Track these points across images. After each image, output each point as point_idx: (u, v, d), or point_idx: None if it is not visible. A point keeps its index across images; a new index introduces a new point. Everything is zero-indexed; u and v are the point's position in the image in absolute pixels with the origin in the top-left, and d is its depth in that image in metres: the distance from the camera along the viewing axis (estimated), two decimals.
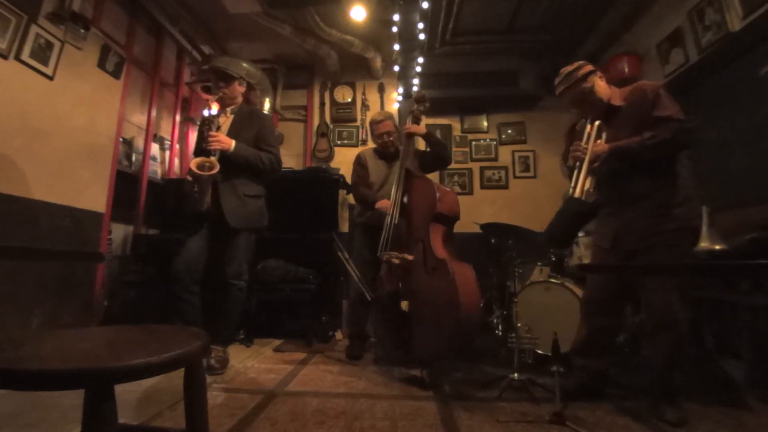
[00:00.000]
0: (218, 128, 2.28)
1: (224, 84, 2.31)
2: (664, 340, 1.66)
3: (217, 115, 2.30)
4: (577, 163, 1.75)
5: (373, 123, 2.62)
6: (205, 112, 2.25)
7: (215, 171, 2.08)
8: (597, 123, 1.79)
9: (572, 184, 1.72)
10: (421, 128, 2.44)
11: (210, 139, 2.13)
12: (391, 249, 2.22)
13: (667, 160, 1.72)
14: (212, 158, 2.11)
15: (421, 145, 4.39)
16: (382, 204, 2.39)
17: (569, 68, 1.84)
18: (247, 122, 2.35)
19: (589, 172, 1.70)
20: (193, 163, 2.10)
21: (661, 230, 1.67)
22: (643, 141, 1.64)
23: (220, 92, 2.30)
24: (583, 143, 1.76)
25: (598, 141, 1.75)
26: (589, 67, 1.82)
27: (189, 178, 2.21)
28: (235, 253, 2.25)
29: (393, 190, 2.33)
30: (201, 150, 2.21)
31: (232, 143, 2.18)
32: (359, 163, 2.70)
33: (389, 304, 2.18)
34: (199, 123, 2.43)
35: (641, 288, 1.76)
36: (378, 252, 2.25)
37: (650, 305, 1.72)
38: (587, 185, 1.69)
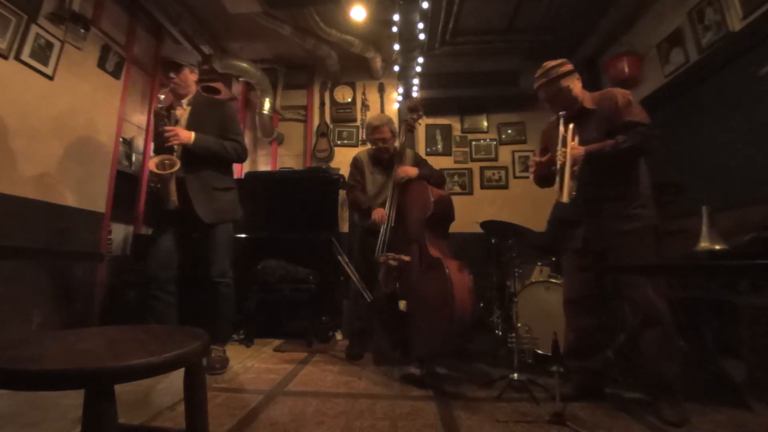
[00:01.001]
0: (176, 122, 2.18)
1: (174, 74, 2.20)
2: (652, 334, 1.69)
3: (173, 108, 2.20)
4: (558, 167, 1.77)
5: (370, 127, 2.58)
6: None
7: (176, 168, 2.00)
8: (571, 126, 1.82)
9: (557, 188, 1.74)
10: (413, 170, 2.39)
11: (167, 134, 2.04)
12: (387, 251, 2.23)
13: (630, 165, 1.80)
14: (172, 156, 2.03)
15: (421, 146, 4.39)
16: (378, 215, 2.38)
17: (552, 63, 1.88)
18: (208, 112, 2.26)
19: (571, 176, 1.72)
20: (152, 162, 2.02)
21: (627, 230, 1.75)
22: (617, 145, 1.71)
23: (171, 83, 2.21)
24: (559, 146, 1.78)
25: (572, 143, 1.79)
26: (570, 67, 1.88)
27: (154, 177, 2.09)
28: (216, 252, 2.22)
29: (388, 201, 2.35)
30: (160, 147, 2.11)
31: (192, 135, 2.10)
32: (356, 167, 2.68)
33: (387, 304, 2.19)
34: (153, 118, 2.29)
35: (623, 287, 1.80)
36: (375, 254, 2.26)
37: (632, 302, 1.77)
38: (572, 189, 1.71)
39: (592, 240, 1.84)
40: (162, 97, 2.17)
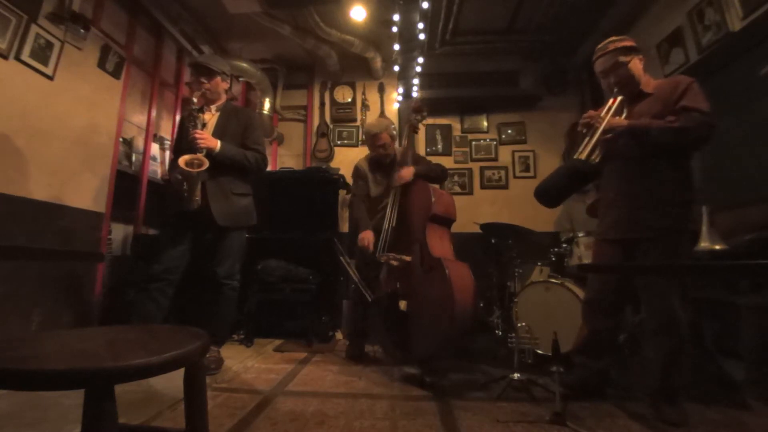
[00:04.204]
0: (203, 125, 2.21)
1: (206, 79, 2.24)
2: (665, 343, 1.66)
3: (202, 112, 2.24)
4: (588, 131, 1.71)
5: (368, 135, 2.57)
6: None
7: (204, 167, 2.03)
8: (620, 98, 1.74)
9: (579, 149, 1.67)
10: (409, 172, 2.34)
11: (197, 137, 2.08)
12: (389, 250, 2.23)
13: (680, 155, 1.69)
14: (200, 155, 2.06)
15: (421, 146, 4.38)
16: (364, 238, 2.40)
17: (614, 37, 1.82)
18: (234, 119, 2.30)
19: (598, 142, 1.65)
20: (182, 160, 2.03)
21: (660, 226, 1.66)
22: (663, 124, 1.61)
23: (202, 88, 2.24)
24: (602, 114, 1.72)
25: (618, 117, 1.72)
26: (632, 43, 1.79)
27: (178, 176, 2.10)
28: (227, 254, 2.22)
29: (390, 200, 2.35)
30: (184, 147, 2.14)
31: (218, 143, 2.14)
32: (359, 175, 2.68)
33: (388, 304, 2.19)
34: (180, 118, 2.34)
35: (642, 290, 1.74)
36: (376, 254, 2.26)
37: (651, 307, 1.71)
38: (595, 155, 1.65)
39: (625, 229, 1.75)
40: (195, 99, 2.20)
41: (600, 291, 1.85)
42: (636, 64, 1.78)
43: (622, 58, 1.76)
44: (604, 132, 1.66)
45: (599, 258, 1.91)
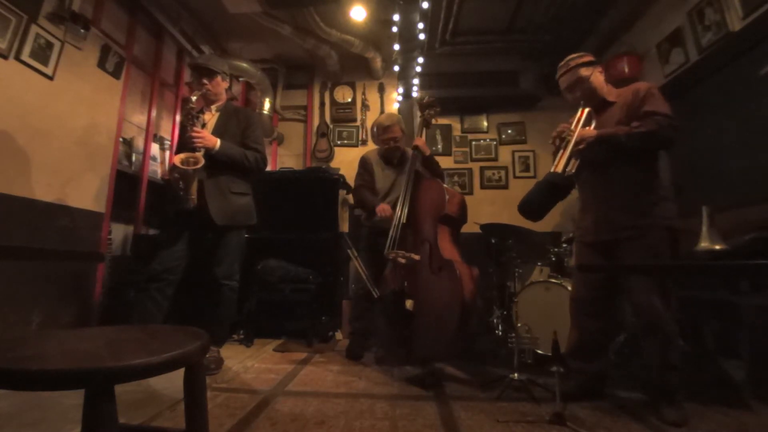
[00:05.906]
0: (203, 125, 2.22)
1: (207, 80, 2.25)
2: (655, 343, 1.67)
3: (202, 112, 2.26)
4: (561, 143, 1.77)
5: (380, 127, 2.55)
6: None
7: (200, 165, 2.03)
8: (587, 109, 1.81)
9: (554, 162, 1.73)
10: (426, 149, 2.42)
11: (194, 136, 2.09)
12: (397, 248, 2.21)
13: (647, 157, 1.76)
14: (197, 153, 2.06)
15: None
16: (381, 210, 2.39)
17: (573, 55, 1.90)
18: (234, 119, 2.31)
19: (572, 154, 1.71)
20: (177, 158, 2.04)
21: (634, 225, 1.70)
22: (630, 130, 1.67)
23: (204, 89, 2.25)
24: (572, 126, 1.78)
25: (587, 127, 1.78)
26: (591, 58, 1.88)
27: (175, 175, 2.10)
28: (225, 253, 2.22)
29: (400, 198, 2.34)
30: (184, 145, 2.15)
31: (217, 142, 2.14)
32: (364, 167, 2.67)
33: (393, 302, 2.18)
34: (181, 117, 2.38)
35: (627, 292, 1.77)
36: (385, 251, 2.25)
37: (637, 308, 1.74)
38: (570, 166, 1.70)
39: (601, 231, 1.80)
40: (194, 98, 2.20)
41: (587, 289, 1.88)
42: (597, 77, 1.86)
43: (584, 72, 1.84)
44: (576, 143, 1.72)
45: (579, 260, 1.97)
